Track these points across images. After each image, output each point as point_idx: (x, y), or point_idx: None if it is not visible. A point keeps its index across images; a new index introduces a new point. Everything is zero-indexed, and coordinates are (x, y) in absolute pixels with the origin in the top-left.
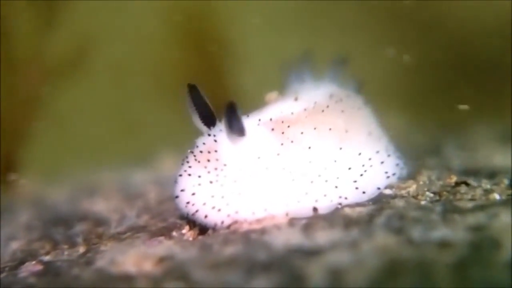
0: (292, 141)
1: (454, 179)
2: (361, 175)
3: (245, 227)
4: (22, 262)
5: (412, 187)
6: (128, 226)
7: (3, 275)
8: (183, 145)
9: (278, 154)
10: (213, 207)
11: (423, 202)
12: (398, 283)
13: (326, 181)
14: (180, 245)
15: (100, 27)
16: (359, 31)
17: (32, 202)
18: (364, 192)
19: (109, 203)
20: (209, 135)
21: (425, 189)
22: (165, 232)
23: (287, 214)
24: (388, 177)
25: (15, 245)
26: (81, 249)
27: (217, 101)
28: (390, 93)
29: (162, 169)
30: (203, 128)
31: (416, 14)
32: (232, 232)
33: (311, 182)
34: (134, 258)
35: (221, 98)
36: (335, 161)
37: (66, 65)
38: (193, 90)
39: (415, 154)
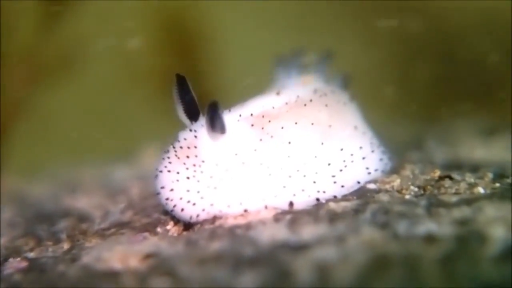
0: (272, 136)
1: (437, 173)
2: (341, 170)
3: (230, 222)
4: (6, 259)
5: (396, 182)
6: (112, 222)
7: None
8: (165, 140)
9: (255, 150)
10: (188, 201)
11: (407, 197)
12: (385, 277)
13: (305, 176)
14: (165, 241)
15: (86, 27)
16: (345, 26)
17: (14, 199)
18: (342, 186)
19: (92, 200)
20: (190, 130)
21: (409, 183)
22: (150, 228)
23: (266, 207)
24: (369, 173)
25: None
26: (66, 246)
27: (199, 96)
28: (373, 89)
29: (144, 164)
30: (186, 121)
31: (405, 9)
32: (217, 227)
33: (289, 176)
34: (120, 254)
35: (203, 92)
36: (316, 156)
37: (57, 68)
38: (181, 81)
39: (397, 148)
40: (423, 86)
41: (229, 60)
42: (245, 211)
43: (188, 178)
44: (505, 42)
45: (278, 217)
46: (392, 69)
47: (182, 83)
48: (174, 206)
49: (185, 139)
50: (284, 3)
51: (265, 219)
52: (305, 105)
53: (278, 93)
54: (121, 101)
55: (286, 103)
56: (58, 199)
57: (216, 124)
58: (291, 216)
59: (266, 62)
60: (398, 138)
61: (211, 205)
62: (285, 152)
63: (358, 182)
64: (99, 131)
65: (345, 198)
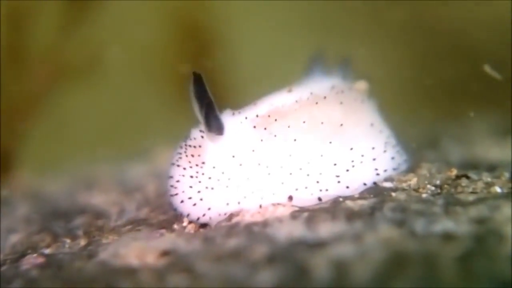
0: (275, 135)
1: (454, 172)
2: (347, 170)
3: (247, 219)
4: (23, 255)
5: (413, 180)
6: (128, 219)
7: (4, 267)
8: (180, 138)
9: (253, 151)
10: (190, 198)
11: (424, 195)
12: (402, 275)
13: (308, 175)
14: (182, 238)
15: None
16: (361, 29)
17: (30, 195)
18: (347, 187)
19: (108, 196)
20: (200, 130)
21: (426, 182)
22: (166, 224)
23: (260, 206)
24: (378, 174)
25: (15, 238)
26: (82, 242)
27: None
28: (389, 87)
29: (160, 162)
30: (201, 119)
31: (419, 11)
32: (234, 225)
33: (290, 174)
34: (137, 251)
35: (217, 91)
36: (322, 155)
37: (79, 69)
38: (197, 79)
39: (414, 147)
40: (440, 85)
41: (243, 58)
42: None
43: (191, 177)
44: None
45: (295, 215)
46: (409, 68)
47: (198, 82)
48: (176, 194)
49: (194, 138)
50: (299, 3)
51: (282, 216)
52: (316, 103)
53: (290, 91)
54: (136, 98)
55: (296, 101)
56: (73, 196)
57: (211, 123)
58: (308, 213)
59: (280, 60)
60: (415, 137)
61: (209, 209)
62: (287, 151)
63: (365, 184)
64: (114, 128)
65: (362, 196)
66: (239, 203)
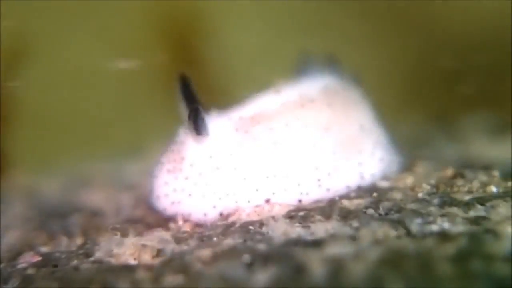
0: (255, 139)
1: (450, 171)
2: (329, 174)
3: (244, 218)
4: (19, 253)
5: (409, 179)
6: (124, 217)
7: (0, 266)
8: (175, 135)
9: (231, 154)
10: (166, 195)
11: (420, 195)
12: (398, 274)
13: (287, 178)
14: (178, 237)
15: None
16: (351, 30)
17: (26, 194)
18: (328, 190)
19: (104, 195)
20: (184, 128)
21: (422, 181)
22: (163, 223)
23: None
24: (362, 178)
25: (11, 236)
26: (79, 241)
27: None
28: (382, 87)
29: (156, 160)
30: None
31: (410, 11)
32: (230, 224)
33: (267, 178)
34: (133, 249)
35: (204, 87)
36: (303, 159)
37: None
38: (183, 80)
39: (409, 147)
40: (434, 83)
41: (232, 58)
42: (221, 214)
43: (168, 170)
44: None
45: (291, 214)
46: (402, 66)
47: (184, 83)
48: (152, 190)
49: (179, 136)
50: (287, 2)
51: (278, 215)
52: (303, 105)
53: (278, 92)
54: (129, 94)
55: (283, 104)
56: (69, 195)
57: (198, 127)
58: (304, 213)
59: (268, 60)
60: (410, 136)
61: (189, 214)
62: (266, 154)
63: (348, 187)
64: (110, 127)
65: (358, 195)
66: (214, 207)
